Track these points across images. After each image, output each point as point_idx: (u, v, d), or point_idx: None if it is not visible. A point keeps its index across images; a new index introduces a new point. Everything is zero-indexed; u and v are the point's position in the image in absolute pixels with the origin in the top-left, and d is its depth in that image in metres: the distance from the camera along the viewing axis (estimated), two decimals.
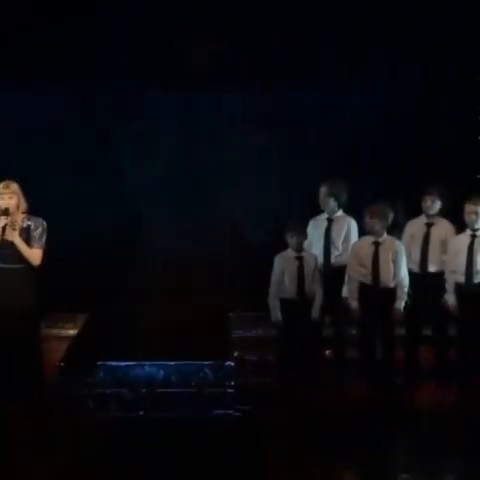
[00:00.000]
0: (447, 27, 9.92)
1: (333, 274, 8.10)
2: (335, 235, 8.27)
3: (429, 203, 8.15)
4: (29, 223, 7.53)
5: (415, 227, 8.23)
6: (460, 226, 8.10)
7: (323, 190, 8.34)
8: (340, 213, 8.34)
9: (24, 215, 7.54)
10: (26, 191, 7.56)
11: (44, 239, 7.53)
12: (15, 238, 7.41)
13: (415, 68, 9.98)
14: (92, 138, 10.25)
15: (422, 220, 8.23)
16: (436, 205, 8.15)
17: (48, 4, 9.90)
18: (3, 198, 7.46)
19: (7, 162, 9.58)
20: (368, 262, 7.90)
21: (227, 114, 10.48)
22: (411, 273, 8.05)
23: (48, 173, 9.94)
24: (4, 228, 7.38)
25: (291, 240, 8.00)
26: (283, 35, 9.89)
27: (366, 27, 9.85)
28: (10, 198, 7.46)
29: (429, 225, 8.18)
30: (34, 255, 7.49)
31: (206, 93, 10.41)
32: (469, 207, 7.94)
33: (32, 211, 7.58)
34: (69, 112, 10.25)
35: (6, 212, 7.41)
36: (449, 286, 7.97)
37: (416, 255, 8.11)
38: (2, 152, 9.92)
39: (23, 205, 7.52)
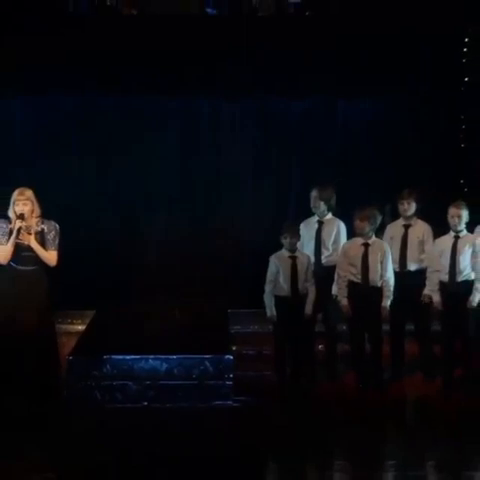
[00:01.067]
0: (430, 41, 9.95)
1: (324, 273, 8.10)
2: (325, 236, 8.26)
3: (405, 206, 8.18)
4: (43, 227, 7.56)
5: (394, 229, 8.26)
6: (442, 227, 8.13)
7: (314, 195, 8.34)
8: (330, 216, 8.34)
9: (38, 219, 7.57)
10: (40, 197, 7.61)
11: (57, 241, 7.57)
12: (32, 242, 7.46)
13: (400, 81, 9.97)
14: (99, 146, 10.28)
15: (400, 222, 8.26)
16: (412, 207, 8.18)
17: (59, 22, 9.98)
18: (18, 204, 7.50)
19: (23, 170, 9.66)
20: (358, 262, 7.91)
21: (227, 122, 10.49)
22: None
23: (60, 179, 9.95)
24: (19, 231, 7.42)
25: (285, 241, 7.98)
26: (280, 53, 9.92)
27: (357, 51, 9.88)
28: (25, 204, 7.50)
29: (407, 227, 8.21)
30: (50, 257, 7.54)
31: (206, 101, 10.42)
32: (452, 211, 7.96)
33: (45, 215, 7.62)
34: (75, 121, 10.27)
35: (21, 217, 7.46)
36: (433, 285, 7.97)
37: (396, 255, 8.12)
38: (18, 161, 9.97)
39: (37, 210, 7.56)
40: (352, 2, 10.21)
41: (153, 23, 10.34)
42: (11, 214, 7.51)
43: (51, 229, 7.56)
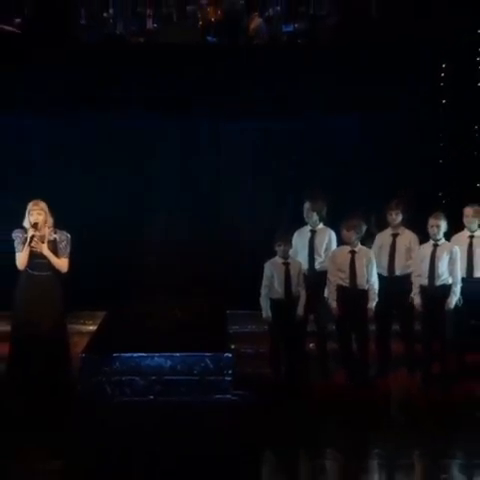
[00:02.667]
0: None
1: (317, 278, 8.06)
2: (318, 244, 8.22)
3: (394, 216, 8.16)
4: (55, 236, 7.51)
5: (383, 238, 8.24)
6: (425, 236, 8.12)
7: (307, 206, 8.32)
8: (321, 226, 8.31)
9: (51, 229, 7.53)
10: (52, 207, 7.59)
11: (69, 250, 7.53)
12: (44, 250, 7.41)
13: (387, 100, 9.99)
14: (109, 158, 10.29)
15: (388, 232, 8.24)
16: (399, 217, 8.16)
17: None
18: (33, 214, 7.46)
19: (37, 183, 9.65)
20: (346, 268, 7.88)
21: (227, 136, 10.50)
22: (381, 277, 8.04)
23: (69, 189, 9.94)
24: (32, 238, 7.38)
25: (279, 249, 7.94)
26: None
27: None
28: (38, 214, 7.46)
29: (395, 235, 8.18)
30: (62, 264, 7.50)
31: (207, 121, 10.42)
32: (432, 221, 7.95)
33: (58, 225, 7.59)
34: (85, 137, 10.28)
35: (35, 226, 7.41)
36: (415, 288, 7.96)
37: (385, 261, 8.10)
38: (34, 174, 9.97)
39: (50, 221, 7.51)
40: (339, 32, 10.27)
41: (159, 50, 10.38)
42: (26, 224, 7.47)
43: (63, 239, 7.52)
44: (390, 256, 8.11)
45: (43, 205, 7.48)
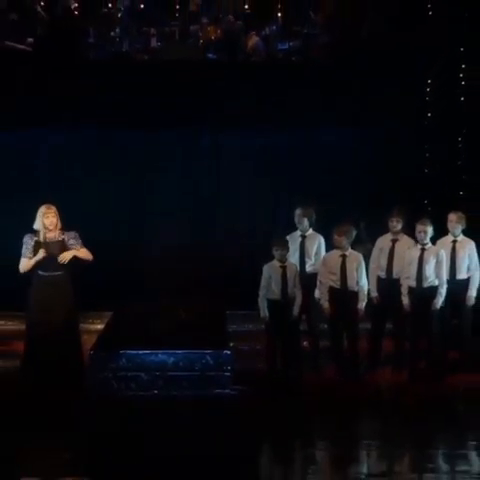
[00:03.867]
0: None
1: (307, 280, 8.07)
2: (308, 248, 8.23)
3: (394, 223, 8.18)
4: (63, 237, 7.55)
5: (383, 242, 8.25)
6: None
7: (298, 213, 8.32)
8: (311, 231, 8.32)
9: (59, 231, 7.55)
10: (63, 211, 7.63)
11: (80, 241, 7.54)
12: (71, 255, 7.44)
13: (374, 115, 10.04)
14: (117, 168, 10.34)
15: (388, 237, 8.25)
16: (399, 225, 8.19)
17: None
18: (48, 216, 7.50)
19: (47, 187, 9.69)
20: (337, 270, 7.90)
21: (227, 148, 10.54)
22: (379, 279, 8.08)
23: (80, 196, 9.97)
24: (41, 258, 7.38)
25: (276, 252, 7.90)
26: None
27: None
28: (53, 217, 7.51)
29: (394, 241, 8.20)
30: (84, 255, 7.50)
31: (207, 132, 10.46)
32: (419, 227, 7.98)
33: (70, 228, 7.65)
34: (94, 149, 10.33)
35: (49, 229, 7.44)
36: (404, 289, 7.99)
37: (384, 264, 8.13)
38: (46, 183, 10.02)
39: (59, 223, 7.57)
40: (331, 49, 10.32)
41: (162, 67, 10.43)
42: (38, 226, 7.48)
43: (71, 236, 7.54)
44: (389, 260, 8.13)
45: (55, 208, 7.53)
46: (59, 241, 7.49)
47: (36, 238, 7.48)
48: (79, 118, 9.95)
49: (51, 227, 7.45)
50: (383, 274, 8.10)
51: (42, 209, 7.51)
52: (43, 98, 9.85)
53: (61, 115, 9.93)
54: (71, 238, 7.52)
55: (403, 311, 7.98)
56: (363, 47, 10.08)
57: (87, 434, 6.54)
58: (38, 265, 7.43)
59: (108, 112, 9.97)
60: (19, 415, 6.77)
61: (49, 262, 7.45)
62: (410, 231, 8.15)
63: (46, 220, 7.45)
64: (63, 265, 7.47)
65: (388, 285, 8.05)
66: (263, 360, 7.93)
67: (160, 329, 8.20)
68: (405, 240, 8.18)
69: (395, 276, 8.09)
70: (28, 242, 7.47)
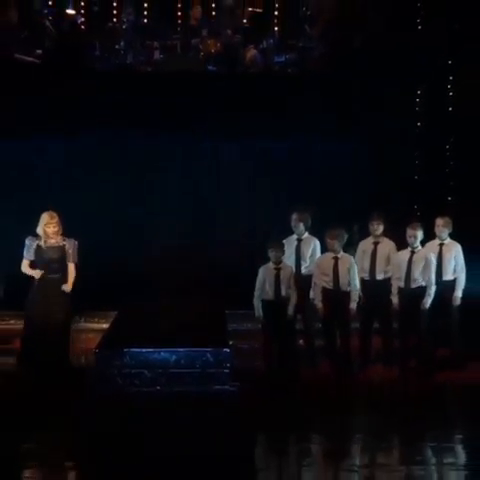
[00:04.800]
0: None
1: (303, 281, 8.08)
2: (304, 251, 8.25)
3: (375, 226, 8.22)
4: (64, 243, 7.61)
5: (365, 245, 8.29)
6: (400, 243, 8.19)
7: (294, 217, 8.35)
8: (306, 235, 8.35)
9: (60, 237, 7.61)
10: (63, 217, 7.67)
11: (76, 255, 7.64)
12: (69, 289, 7.58)
13: (366, 125, 10.07)
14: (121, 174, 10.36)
15: (370, 240, 8.29)
16: (380, 228, 8.23)
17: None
18: (49, 227, 7.55)
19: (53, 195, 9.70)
20: (330, 272, 7.92)
21: (226, 155, 10.55)
22: (363, 280, 8.10)
23: (83, 202, 9.98)
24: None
25: (271, 254, 7.91)
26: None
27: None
28: (55, 227, 7.56)
29: (376, 243, 8.23)
30: (72, 271, 7.61)
31: (208, 140, 10.47)
32: (409, 231, 8.03)
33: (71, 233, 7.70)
34: (96, 155, 10.33)
35: (50, 237, 7.52)
36: (394, 290, 8.02)
37: (366, 266, 8.16)
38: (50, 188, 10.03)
39: (60, 230, 7.62)
40: (325, 61, 10.36)
41: (164, 78, 10.45)
42: (40, 231, 7.57)
43: (71, 245, 7.63)
44: (371, 262, 8.16)
45: (57, 217, 7.58)
46: (60, 246, 7.57)
47: (38, 241, 7.54)
48: (79, 121, 9.96)
49: (52, 236, 7.52)
50: (366, 276, 8.13)
51: (45, 217, 7.56)
52: (45, 101, 9.84)
53: (68, 122, 9.94)
54: (71, 247, 7.59)
55: (392, 310, 8.00)
56: (356, 60, 10.11)
57: (88, 433, 6.52)
58: (38, 265, 7.52)
59: (111, 118, 9.99)
60: (19, 413, 6.75)
61: (48, 265, 7.52)
62: (392, 234, 8.18)
63: (48, 229, 7.53)
64: (61, 268, 7.55)
65: (372, 286, 8.08)
66: (260, 358, 7.93)
67: (163, 328, 8.21)
68: (386, 243, 8.22)
69: (378, 277, 8.13)
70: (30, 245, 7.55)
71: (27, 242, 7.57)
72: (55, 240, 7.55)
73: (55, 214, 7.59)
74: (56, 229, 7.53)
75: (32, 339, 7.48)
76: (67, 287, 7.58)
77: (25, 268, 7.60)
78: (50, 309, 7.49)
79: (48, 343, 7.41)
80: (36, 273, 7.55)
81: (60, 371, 7.35)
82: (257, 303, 7.90)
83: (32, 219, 7.67)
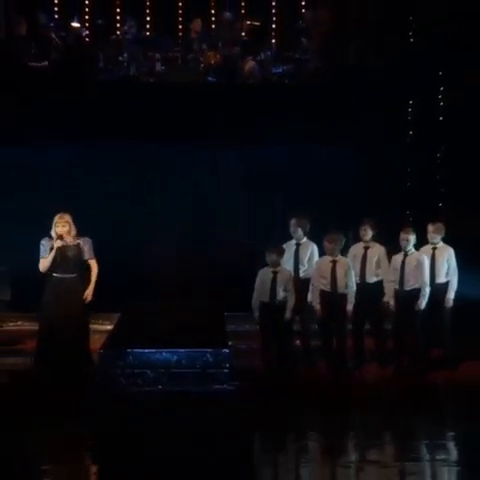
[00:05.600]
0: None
1: (301, 284, 8.08)
2: (302, 255, 8.26)
3: (364, 232, 8.23)
4: (79, 241, 7.58)
5: (356, 250, 8.30)
6: (394, 248, 8.18)
7: (293, 222, 8.37)
8: (305, 239, 8.36)
9: (74, 237, 7.56)
10: (76, 219, 7.63)
11: (92, 251, 7.59)
12: (90, 297, 7.51)
13: (360, 134, 10.07)
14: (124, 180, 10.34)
15: (361, 244, 8.30)
16: (369, 232, 8.23)
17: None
18: (58, 226, 7.51)
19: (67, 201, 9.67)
20: (328, 275, 7.92)
21: (224, 161, 10.54)
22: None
23: (93, 206, 9.97)
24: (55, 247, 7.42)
25: (269, 258, 7.91)
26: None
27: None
28: (63, 226, 7.52)
29: (366, 248, 8.24)
30: (93, 267, 7.57)
31: (207, 147, 10.45)
32: (402, 235, 8.04)
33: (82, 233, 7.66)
34: (102, 163, 10.32)
35: (61, 237, 7.48)
36: (389, 292, 8.02)
37: (357, 270, 8.16)
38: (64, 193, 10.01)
39: (73, 230, 7.58)
40: (320, 72, 10.37)
41: (166, 89, 10.45)
42: (53, 234, 7.53)
43: (85, 242, 7.58)
44: (362, 266, 8.17)
45: (68, 217, 7.55)
46: (75, 245, 7.53)
47: (52, 242, 7.51)
48: (87, 133, 9.95)
49: (64, 235, 7.47)
50: (357, 279, 8.12)
51: (55, 218, 7.56)
52: (51, 109, 9.83)
53: (73, 130, 9.93)
54: (86, 244, 7.55)
55: (385, 312, 8.01)
56: (350, 71, 10.13)
57: (94, 426, 6.50)
58: (53, 265, 7.42)
59: (114, 128, 9.99)
60: (27, 407, 6.71)
61: (63, 265, 7.46)
62: (385, 239, 8.18)
63: (57, 228, 7.50)
64: (76, 268, 7.50)
65: (363, 289, 8.07)
66: (259, 358, 7.89)
67: (165, 329, 8.19)
68: (376, 247, 8.24)
69: (368, 280, 8.12)
70: (45, 244, 7.51)
71: (42, 242, 7.54)
72: (68, 239, 7.51)
73: (65, 214, 7.55)
74: (66, 228, 7.49)
75: (49, 339, 7.41)
76: (89, 296, 7.50)
77: (44, 265, 7.45)
78: (67, 309, 7.40)
79: (67, 343, 7.34)
80: (57, 243, 7.39)
81: (79, 371, 7.29)
82: (255, 305, 7.88)
83: (32, 220, 7.63)
